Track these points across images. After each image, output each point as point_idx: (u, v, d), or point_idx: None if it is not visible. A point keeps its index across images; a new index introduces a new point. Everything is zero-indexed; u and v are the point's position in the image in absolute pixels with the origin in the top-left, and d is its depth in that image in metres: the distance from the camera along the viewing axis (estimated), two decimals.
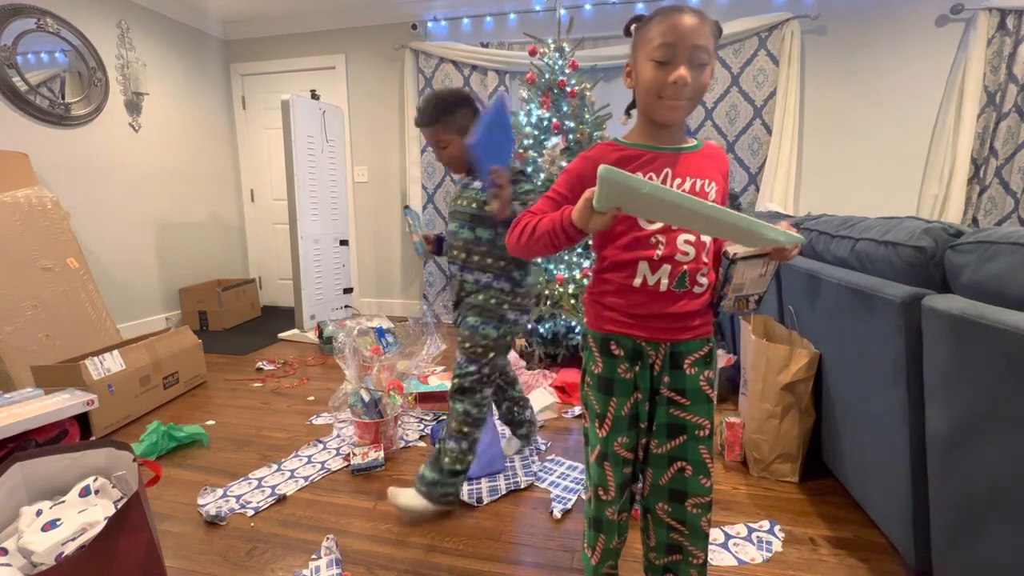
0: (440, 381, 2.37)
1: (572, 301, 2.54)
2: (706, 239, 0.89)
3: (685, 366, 0.91)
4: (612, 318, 0.92)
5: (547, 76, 2.67)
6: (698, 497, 0.93)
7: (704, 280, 0.89)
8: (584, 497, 1.19)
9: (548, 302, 2.57)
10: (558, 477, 1.68)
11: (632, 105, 0.95)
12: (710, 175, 0.89)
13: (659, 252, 0.86)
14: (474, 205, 1.42)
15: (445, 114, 1.41)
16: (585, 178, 0.88)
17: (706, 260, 0.89)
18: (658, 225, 0.86)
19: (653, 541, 1.00)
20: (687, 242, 0.86)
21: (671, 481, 0.94)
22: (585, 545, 1.05)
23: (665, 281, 0.87)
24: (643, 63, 0.84)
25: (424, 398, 2.27)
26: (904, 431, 1.11)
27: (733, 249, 0.86)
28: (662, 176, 0.86)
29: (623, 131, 0.95)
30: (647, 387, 0.93)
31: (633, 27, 0.90)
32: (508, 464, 1.75)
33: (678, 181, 0.86)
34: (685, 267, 0.87)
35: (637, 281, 0.88)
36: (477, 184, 1.43)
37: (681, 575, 0.99)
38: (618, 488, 0.95)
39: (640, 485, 1.00)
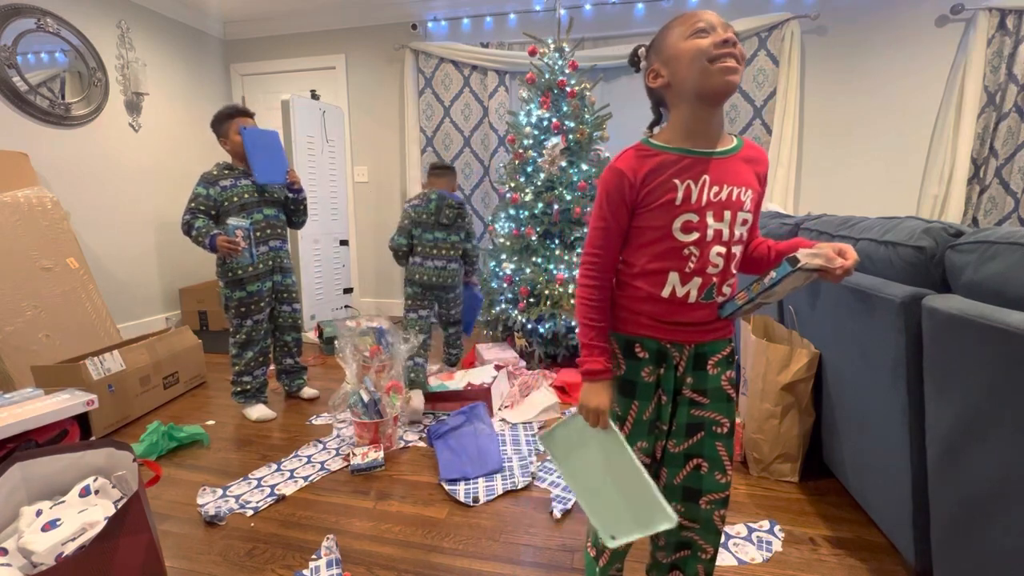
0: (440, 381, 2.37)
1: (572, 301, 2.54)
2: (736, 250, 0.86)
3: (708, 367, 0.91)
4: (638, 321, 0.90)
5: (547, 76, 2.67)
6: (713, 493, 0.92)
7: (728, 290, 0.88)
8: None
9: (548, 302, 2.57)
10: (558, 477, 1.68)
11: (655, 121, 0.92)
12: (747, 182, 0.84)
13: (692, 264, 0.83)
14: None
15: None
16: (622, 194, 0.84)
17: (733, 271, 0.88)
18: (693, 236, 0.82)
19: (663, 541, 1.00)
20: (719, 254, 0.84)
21: (686, 479, 0.94)
22: (590, 546, 1.05)
23: (694, 293, 0.85)
24: (681, 44, 0.80)
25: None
26: (904, 431, 1.11)
27: (804, 259, 0.76)
28: (700, 184, 0.81)
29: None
30: (671, 388, 0.92)
31: (641, 51, 0.89)
32: (506, 464, 1.75)
33: (715, 189, 0.82)
34: (714, 279, 0.85)
35: (666, 292, 0.85)
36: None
37: (688, 570, 0.98)
38: None
39: None
